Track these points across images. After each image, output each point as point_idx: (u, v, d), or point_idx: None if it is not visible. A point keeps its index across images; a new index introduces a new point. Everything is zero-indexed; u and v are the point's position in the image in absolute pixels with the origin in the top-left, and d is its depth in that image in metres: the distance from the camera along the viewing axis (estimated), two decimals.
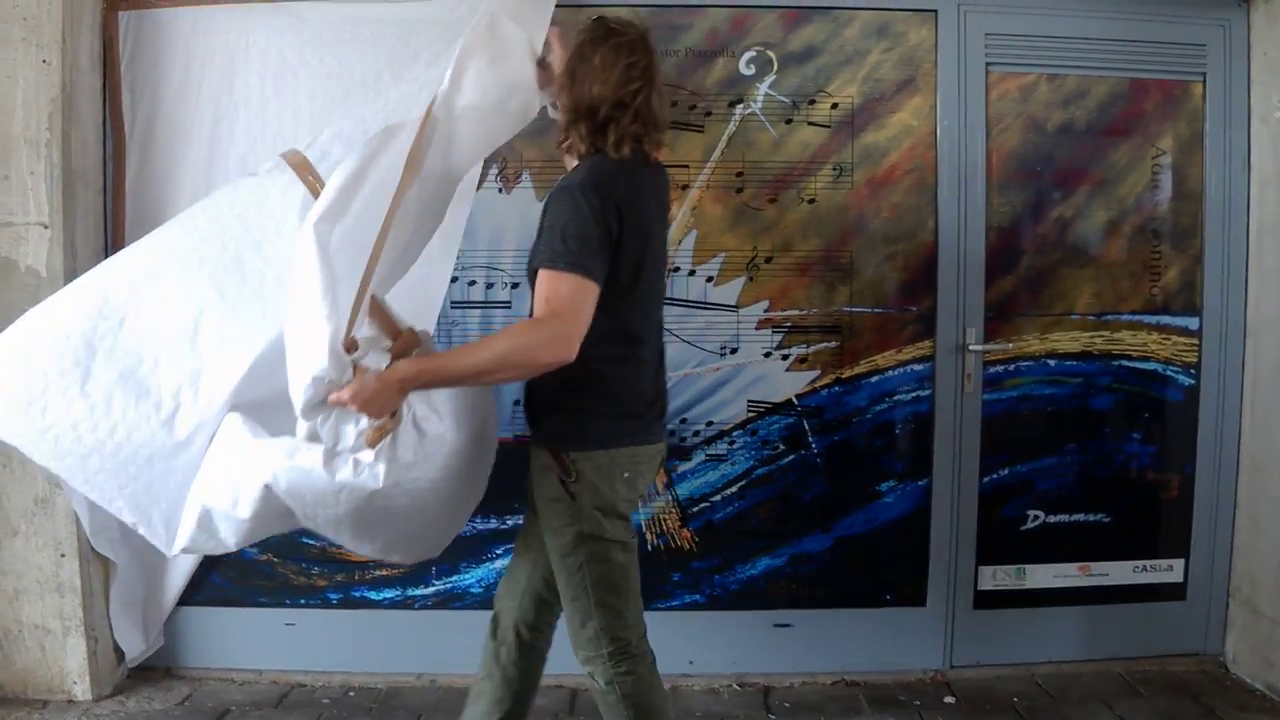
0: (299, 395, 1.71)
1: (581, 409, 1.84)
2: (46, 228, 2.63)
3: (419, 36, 2.52)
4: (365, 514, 1.81)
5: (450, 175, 2.01)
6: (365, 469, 1.76)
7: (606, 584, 1.88)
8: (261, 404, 1.87)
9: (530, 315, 1.84)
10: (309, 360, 1.69)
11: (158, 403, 1.84)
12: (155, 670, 2.90)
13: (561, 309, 1.71)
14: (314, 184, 1.92)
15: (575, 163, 1.91)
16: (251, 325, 1.86)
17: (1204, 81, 2.84)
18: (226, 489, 1.79)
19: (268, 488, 1.75)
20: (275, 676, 2.88)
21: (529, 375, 1.78)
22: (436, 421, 1.85)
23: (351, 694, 2.80)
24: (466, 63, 1.89)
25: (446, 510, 2.00)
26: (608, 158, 1.82)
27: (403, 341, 1.87)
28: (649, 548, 2.84)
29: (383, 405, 1.74)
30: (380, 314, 1.87)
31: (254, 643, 2.87)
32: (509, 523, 2.81)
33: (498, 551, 2.83)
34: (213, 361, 1.86)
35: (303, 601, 2.86)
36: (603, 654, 1.90)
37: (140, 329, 1.87)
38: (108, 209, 2.78)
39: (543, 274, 1.74)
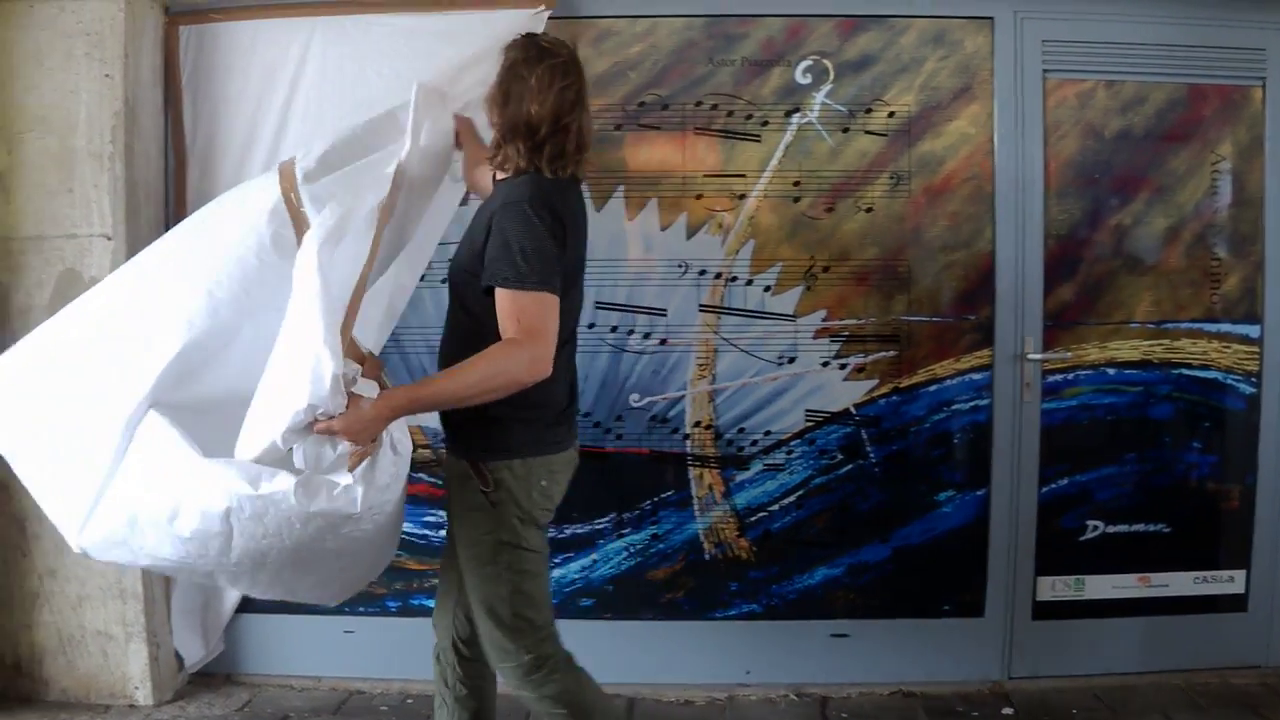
0: (285, 420, 1.71)
1: (498, 418, 1.85)
2: (110, 239, 2.67)
3: (468, 50, 2.55)
4: (327, 541, 1.81)
5: (410, 216, 2.10)
6: (342, 493, 1.76)
7: (523, 593, 1.90)
8: (184, 407, 1.86)
9: (450, 321, 1.96)
10: (308, 388, 1.69)
11: (96, 376, 1.86)
12: (215, 676, 2.93)
13: (536, 328, 1.75)
14: (288, 190, 1.93)
15: (501, 176, 1.93)
16: (194, 315, 1.86)
17: (1264, 86, 2.81)
18: (165, 501, 1.76)
19: (229, 512, 1.73)
20: (334, 683, 2.90)
21: (508, 394, 1.78)
22: (406, 441, 1.90)
23: (410, 701, 2.82)
24: (420, 127, 2.03)
25: (390, 539, 2.03)
26: (544, 176, 1.85)
27: (369, 367, 1.90)
28: (706, 557, 2.84)
29: (371, 433, 1.77)
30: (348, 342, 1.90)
31: (313, 649, 2.90)
32: (566, 531, 2.83)
33: (555, 560, 2.83)
34: (146, 341, 1.87)
35: (361, 609, 2.88)
36: (522, 663, 1.92)
37: (109, 309, 1.93)
38: (169, 221, 2.81)
39: (509, 294, 1.76)
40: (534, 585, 1.93)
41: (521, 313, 1.75)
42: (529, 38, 1.93)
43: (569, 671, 1.97)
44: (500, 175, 1.93)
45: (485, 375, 1.75)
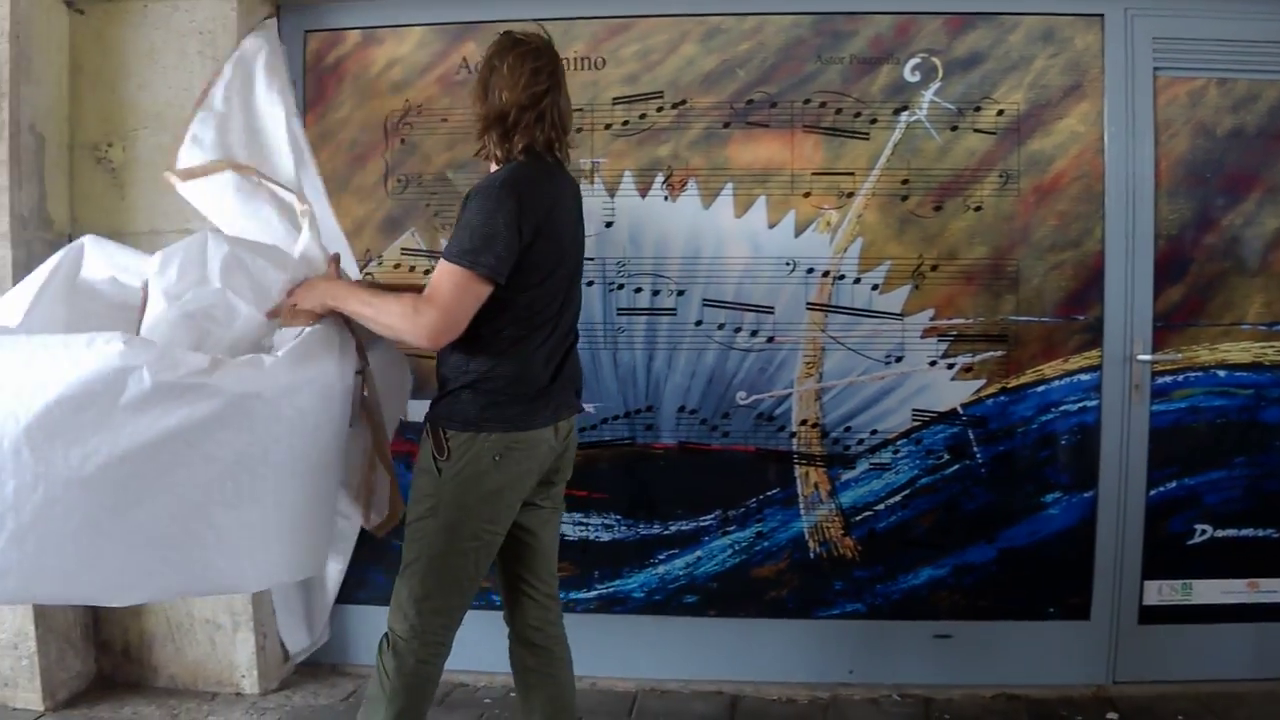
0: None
1: (462, 388, 1.90)
2: None
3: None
4: (212, 434, 1.75)
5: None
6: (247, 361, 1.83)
7: (441, 569, 1.91)
8: None
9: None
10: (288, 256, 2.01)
11: None
12: (321, 666, 2.97)
13: (441, 300, 1.80)
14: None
15: (495, 168, 1.96)
16: None
17: None
18: None
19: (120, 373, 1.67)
20: None
21: (393, 338, 1.98)
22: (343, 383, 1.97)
23: (513, 694, 2.82)
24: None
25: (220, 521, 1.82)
26: (525, 163, 1.89)
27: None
28: (811, 555, 2.84)
29: (310, 290, 1.98)
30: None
31: None
32: (671, 528, 2.84)
33: (660, 556, 2.86)
34: None
35: None
36: (406, 627, 1.93)
37: None
38: None
39: (442, 263, 1.82)
40: (456, 564, 1.92)
41: (440, 281, 1.81)
42: (506, 34, 1.97)
43: (434, 662, 1.97)
44: (493, 167, 1.98)
45: (379, 313, 1.89)
